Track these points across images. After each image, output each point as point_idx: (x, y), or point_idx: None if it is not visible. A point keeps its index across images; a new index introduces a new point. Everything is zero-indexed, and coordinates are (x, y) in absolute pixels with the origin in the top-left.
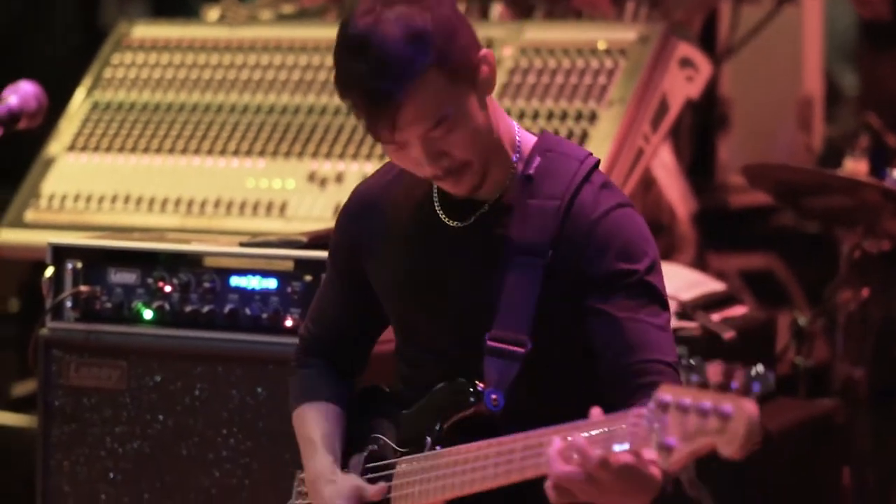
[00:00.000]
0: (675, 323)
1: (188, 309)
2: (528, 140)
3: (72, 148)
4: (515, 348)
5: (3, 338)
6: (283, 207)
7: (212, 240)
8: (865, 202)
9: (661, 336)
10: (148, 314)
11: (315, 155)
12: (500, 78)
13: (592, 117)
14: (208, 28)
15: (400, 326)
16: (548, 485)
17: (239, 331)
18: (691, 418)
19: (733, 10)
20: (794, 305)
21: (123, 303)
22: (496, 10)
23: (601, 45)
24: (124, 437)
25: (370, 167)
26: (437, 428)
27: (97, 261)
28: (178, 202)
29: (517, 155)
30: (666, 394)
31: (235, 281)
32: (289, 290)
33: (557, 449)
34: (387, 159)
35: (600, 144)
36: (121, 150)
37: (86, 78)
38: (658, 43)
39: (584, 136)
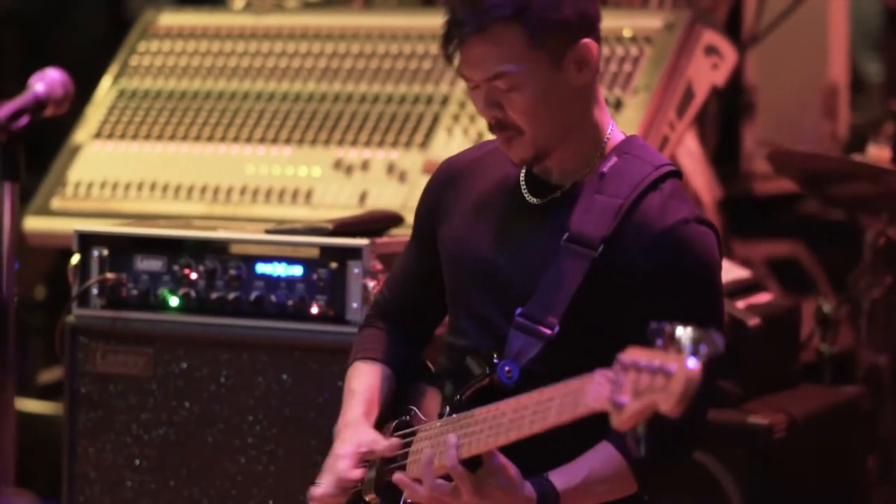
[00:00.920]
0: None
1: (214, 296)
2: (615, 140)
3: (98, 135)
4: (543, 328)
5: (30, 325)
6: (308, 195)
7: (238, 227)
8: (890, 189)
9: None
10: (174, 301)
11: (341, 142)
12: None
13: (618, 105)
14: (234, 16)
15: (451, 291)
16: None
17: (265, 318)
18: (644, 377)
19: None
20: (819, 293)
21: (149, 290)
22: None
23: (626, 33)
24: (150, 424)
25: (396, 155)
26: (458, 397)
27: (123, 248)
28: (203, 189)
29: (600, 152)
30: (628, 355)
31: (261, 268)
32: (314, 277)
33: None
34: (420, 149)
35: (625, 132)
36: (147, 137)
37: (112, 65)
38: (683, 30)
39: None
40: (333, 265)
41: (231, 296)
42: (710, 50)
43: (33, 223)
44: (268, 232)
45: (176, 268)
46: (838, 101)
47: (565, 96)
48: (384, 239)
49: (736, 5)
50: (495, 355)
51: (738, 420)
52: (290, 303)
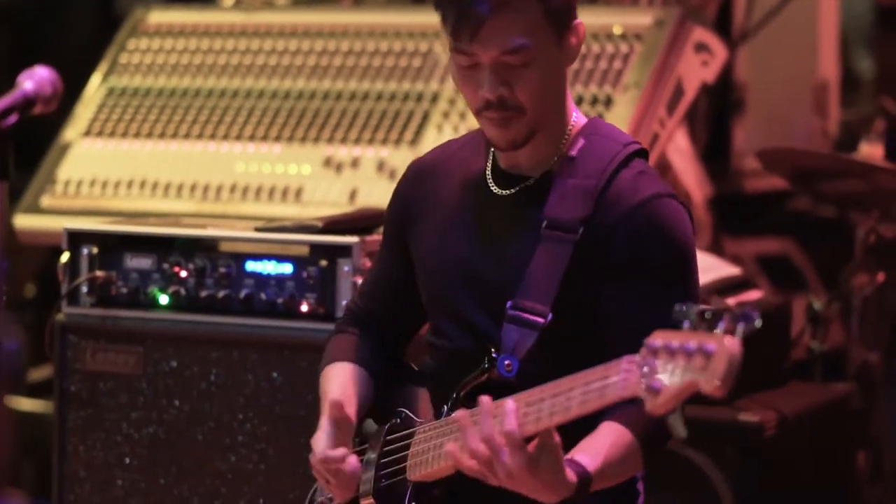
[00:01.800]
0: None
1: (204, 294)
2: (579, 123)
3: (88, 133)
4: (535, 318)
5: (20, 323)
6: (298, 193)
7: (227, 225)
8: (881, 187)
9: None
10: (164, 299)
11: (331, 140)
12: None
13: (608, 102)
14: (224, 13)
15: (428, 293)
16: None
17: (254, 316)
18: (679, 359)
19: None
20: (810, 290)
21: (139, 288)
22: None
23: (617, 30)
24: (140, 423)
25: (386, 152)
26: (454, 396)
27: (113, 246)
28: (193, 187)
29: (567, 136)
30: (656, 339)
31: (251, 266)
32: (304, 275)
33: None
34: (409, 146)
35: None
36: (136, 135)
37: (102, 63)
38: (674, 27)
39: None
40: (323, 263)
41: (221, 294)
42: (701, 47)
43: (23, 221)
44: (257, 230)
45: (166, 266)
46: (829, 98)
47: (560, 76)
48: (374, 237)
49: (726, 2)
50: (493, 350)
51: (728, 418)
52: (279, 301)
